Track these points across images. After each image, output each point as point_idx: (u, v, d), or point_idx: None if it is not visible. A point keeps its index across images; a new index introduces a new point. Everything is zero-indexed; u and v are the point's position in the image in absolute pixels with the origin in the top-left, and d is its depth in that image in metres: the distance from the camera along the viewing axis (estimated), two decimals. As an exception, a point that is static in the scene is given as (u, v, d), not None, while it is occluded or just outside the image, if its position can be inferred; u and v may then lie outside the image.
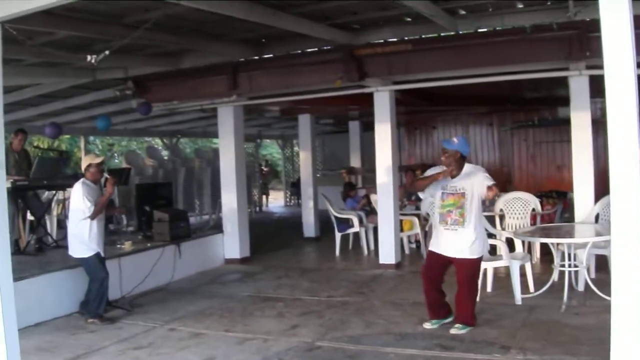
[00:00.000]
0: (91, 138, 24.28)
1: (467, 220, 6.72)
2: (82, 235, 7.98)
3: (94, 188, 8.06)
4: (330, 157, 24.77)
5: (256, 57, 10.51)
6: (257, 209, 23.60)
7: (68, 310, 8.39)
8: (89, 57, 5.87)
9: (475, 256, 6.82)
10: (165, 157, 20.54)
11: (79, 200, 7.92)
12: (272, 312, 8.24)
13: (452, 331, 6.78)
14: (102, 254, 8.25)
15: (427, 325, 7.05)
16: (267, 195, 26.16)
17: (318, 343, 6.75)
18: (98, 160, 8.27)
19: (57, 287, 8.45)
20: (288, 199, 26.39)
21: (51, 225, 11.79)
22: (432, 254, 7.01)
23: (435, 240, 6.97)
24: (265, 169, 26.00)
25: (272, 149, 36.66)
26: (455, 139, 7.00)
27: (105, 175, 8.29)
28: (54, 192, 11.09)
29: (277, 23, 7.93)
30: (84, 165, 8.23)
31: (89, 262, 8.05)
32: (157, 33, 8.57)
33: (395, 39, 9.53)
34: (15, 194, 9.86)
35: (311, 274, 10.85)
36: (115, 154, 29.57)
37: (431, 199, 10.51)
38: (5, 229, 5.07)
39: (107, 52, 5.81)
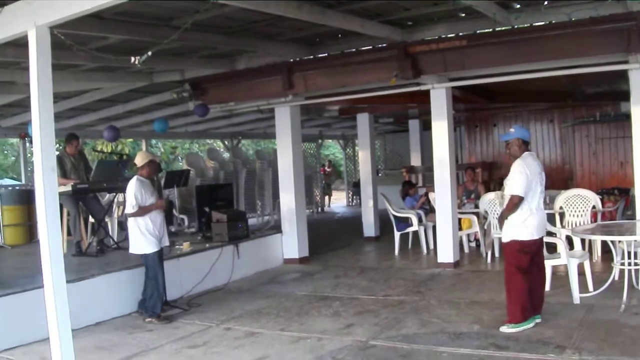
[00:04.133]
0: (153, 141, 24.70)
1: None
2: (142, 230, 8.16)
3: (147, 183, 8.28)
4: (391, 156, 24.64)
5: (311, 57, 10.49)
6: (319, 209, 23.57)
7: (127, 310, 8.55)
8: (132, 59, 5.93)
9: (505, 240, 6.92)
10: (226, 159, 20.73)
11: (130, 195, 8.11)
12: (328, 311, 8.22)
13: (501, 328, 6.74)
14: (165, 245, 8.50)
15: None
16: (330, 195, 26.08)
17: (372, 342, 6.70)
18: (152, 157, 8.55)
19: (116, 288, 8.61)
20: (350, 199, 26.29)
21: (112, 227, 12.02)
22: None
23: None
24: (327, 169, 25.94)
25: (334, 149, 36.70)
26: (512, 129, 7.01)
27: (166, 194, 8.42)
28: (114, 194, 11.27)
29: (326, 21, 7.89)
30: (138, 163, 8.41)
31: (147, 258, 8.21)
32: (209, 34, 8.68)
33: (450, 35, 9.39)
34: (76, 197, 10.10)
35: (369, 273, 10.77)
36: (179, 157, 30.01)
37: (492, 197, 10.42)
38: (57, 232, 5.19)
39: (149, 54, 5.85)
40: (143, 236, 8.15)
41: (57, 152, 10.60)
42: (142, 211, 8.08)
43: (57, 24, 5.06)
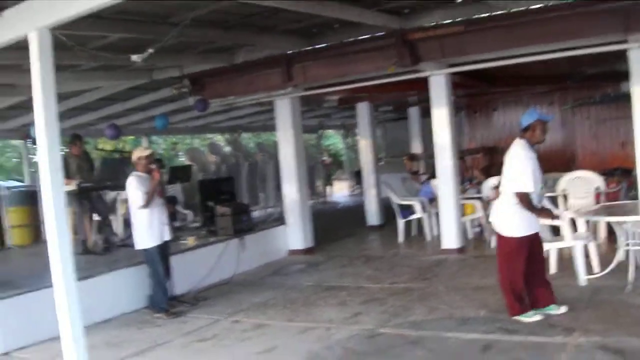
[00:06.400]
0: (154, 137, 24.64)
1: None
2: (142, 226, 8.24)
3: (145, 178, 8.28)
4: (392, 144, 24.60)
5: (309, 48, 10.48)
6: (322, 199, 23.60)
7: (136, 306, 8.61)
8: (134, 57, 5.97)
9: None
10: (228, 153, 20.75)
11: (132, 192, 8.19)
12: (334, 301, 8.25)
13: (562, 310, 6.59)
14: (166, 239, 8.46)
15: (533, 317, 6.49)
16: (331, 185, 26.01)
17: (380, 330, 6.74)
18: (146, 152, 8.52)
19: (124, 284, 8.69)
20: (352, 188, 26.26)
21: (117, 224, 12.08)
22: (528, 239, 6.54)
23: (527, 222, 6.48)
24: (327, 160, 25.87)
25: (335, 139, 36.59)
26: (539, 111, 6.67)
27: (151, 166, 8.41)
28: (117, 192, 11.32)
29: (324, 12, 7.89)
30: (134, 159, 8.48)
31: (147, 253, 8.30)
32: (208, 30, 8.69)
33: (447, 21, 9.38)
34: (81, 196, 10.19)
35: (374, 261, 10.80)
36: (180, 152, 30.02)
37: (494, 182, 10.41)
38: (66, 231, 5.23)
39: (151, 51, 5.91)
40: (143, 231, 8.24)
41: (63, 153, 10.71)
42: (151, 194, 8.14)
43: (57, 25, 5.09)
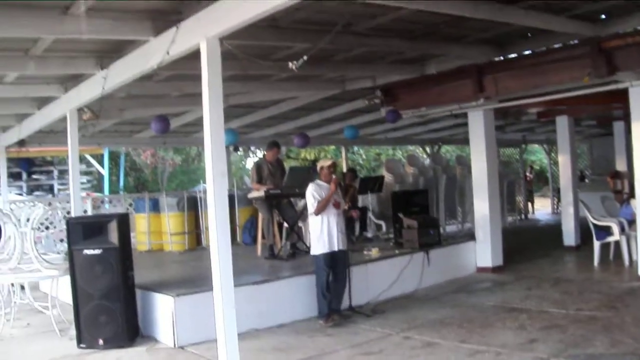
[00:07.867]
0: (355, 148, 24.94)
1: None
2: (312, 233, 8.55)
3: (324, 187, 8.53)
4: (598, 161, 23.33)
5: (500, 58, 10.13)
6: (523, 216, 22.82)
7: (310, 314, 8.67)
8: (290, 64, 6.02)
9: None
10: (427, 165, 20.57)
11: (307, 198, 8.55)
12: (513, 324, 7.85)
13: None
14: (337, 249, 8.46)
15: None
16: (532, 202, 25.00)
17: (553, 360, 6.30)
18: (328, 162, 8.79)
19: (301, 291, 8.80)
20: (555, 206, 25.13)
21: (305, 231, 12.30)
22: None
23: None
24: (529, 175, 24.91)
25: (540, 155, 35.32)
26: None
27: (333, 176, 8.59)
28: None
29: (506, 18, 7.51)
30: (318, 168, 8.83)
31: (315, 259, 8.51)
32: (392, 39, 8.61)
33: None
34: (269, 202, 10.51)
35: (563, 284, 10.20)
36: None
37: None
38: (226, 236, 5.34)
39: (305, 58, 5.92)
40: (314, 238, 8.51)
41: (257, 159, 11.19)
42: (322, 204, 8.37)
43: (226, 34, 5.22)
